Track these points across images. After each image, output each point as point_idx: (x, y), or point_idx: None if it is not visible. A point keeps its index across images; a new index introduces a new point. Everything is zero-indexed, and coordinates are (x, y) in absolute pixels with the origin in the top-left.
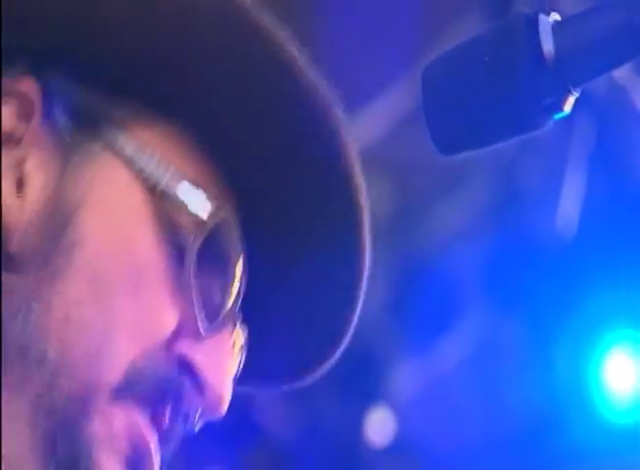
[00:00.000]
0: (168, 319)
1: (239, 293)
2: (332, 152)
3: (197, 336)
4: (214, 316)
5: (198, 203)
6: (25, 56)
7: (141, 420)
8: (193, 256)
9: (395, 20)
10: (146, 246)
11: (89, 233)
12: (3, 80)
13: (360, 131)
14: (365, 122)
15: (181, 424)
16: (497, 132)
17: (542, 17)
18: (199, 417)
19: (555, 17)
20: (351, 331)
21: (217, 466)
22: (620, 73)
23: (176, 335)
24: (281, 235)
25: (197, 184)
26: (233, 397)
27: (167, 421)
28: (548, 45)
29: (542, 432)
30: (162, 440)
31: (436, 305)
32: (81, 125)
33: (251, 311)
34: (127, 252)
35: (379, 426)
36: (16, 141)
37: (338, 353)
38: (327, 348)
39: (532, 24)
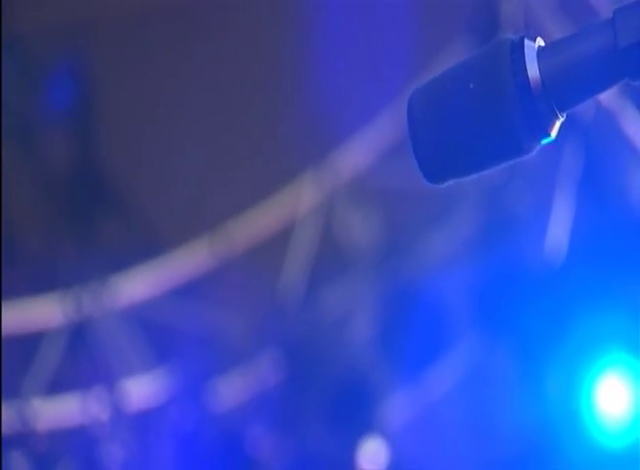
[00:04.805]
0: None
1: None
2: None
3: None
4: None
5: None
6: None
7: None
8: None
9: (382, 51)
10: None
11: None
12: None
13: (348, 162)
14: (353, 153)
15: None
16: (484, 159)
17: (528, 42)
18: None
19: (540, 42)
20: None
21: None
22: (607, 98)
23: None
24: None
25: None
26: (224, 429)
27: None
28: (533, 70)
29: (535, 457)
30: None
31: (427, 332)
32: None
33: None
34: None
35: (372, 455)
36: None
37: None
38: None
39: (518, 50)
